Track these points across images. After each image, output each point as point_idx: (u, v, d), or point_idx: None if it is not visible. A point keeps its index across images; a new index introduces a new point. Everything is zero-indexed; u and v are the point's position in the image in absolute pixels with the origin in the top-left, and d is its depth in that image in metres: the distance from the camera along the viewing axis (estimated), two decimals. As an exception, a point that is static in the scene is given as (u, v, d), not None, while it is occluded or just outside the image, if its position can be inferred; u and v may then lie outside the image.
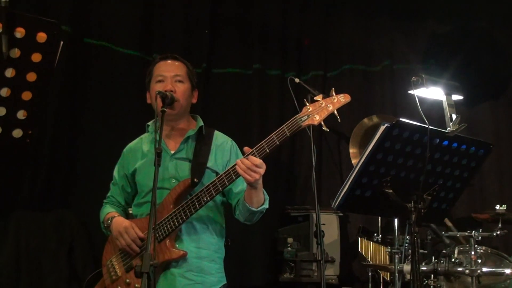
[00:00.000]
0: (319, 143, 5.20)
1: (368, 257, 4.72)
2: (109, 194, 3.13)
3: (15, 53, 1.93)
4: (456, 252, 3.42)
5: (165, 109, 2.74)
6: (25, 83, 1.96)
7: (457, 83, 2.60)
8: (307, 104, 2.63)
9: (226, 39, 5.35)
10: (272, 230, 5.00)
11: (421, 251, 3.62)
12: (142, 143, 3.05)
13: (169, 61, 2.99)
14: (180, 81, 2.93)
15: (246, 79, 5.33)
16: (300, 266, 4.67)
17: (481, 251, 3.72)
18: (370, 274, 4.71)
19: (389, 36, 5.46)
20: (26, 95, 1.96)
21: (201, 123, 3.01)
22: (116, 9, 4.88)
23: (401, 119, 2.36)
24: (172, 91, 2.86)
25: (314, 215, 4.61)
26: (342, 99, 2.62)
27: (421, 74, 2.47)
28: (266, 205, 2.82)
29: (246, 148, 2.65)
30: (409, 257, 3.43)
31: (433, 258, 3.55)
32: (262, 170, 2.60)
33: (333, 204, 2.51)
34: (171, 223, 2.76)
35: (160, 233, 2.78)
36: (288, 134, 2.59)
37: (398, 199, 2.53)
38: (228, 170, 2.69)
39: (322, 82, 5.39)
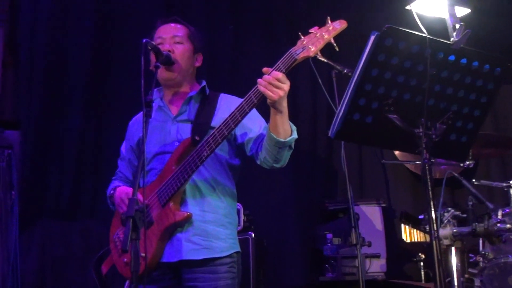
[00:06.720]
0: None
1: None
2: (117, 170, 3.03)
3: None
4: (500, 214, 3.03)
5: (158, 64, 2.64)
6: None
7: (463, -3, 2.35)
8: (302, 37, 2.44)
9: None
10: (310, 228, 4.69)
11: (458, 213, 3.24)
12: None
13: (171, 24, 2.89)
14: (179, 42, 2.82)
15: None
16: (341, 264, 4.33)
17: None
18: (422, 271, 4.34)
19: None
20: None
21: (204, 83, 2.89)
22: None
23: (392, 26, 2.13)
24: (170, 51, 2.75)
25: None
26: (338, 25, 2.40)
27: (418, -15, 2.23)
28: (295, 135, 2.56)
29: (265, 69, 2.43)
30: (445, 221, 3.08)
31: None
32: (286, 86, 2.39)
33: (329, 132, 2.28)
34: (173, 184, 2.61)
35: (163, 196, 2.63)
36: (284, 71, 2.39)
37: (404, 124, 2.28)
38: (227, 119, 2.52)
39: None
